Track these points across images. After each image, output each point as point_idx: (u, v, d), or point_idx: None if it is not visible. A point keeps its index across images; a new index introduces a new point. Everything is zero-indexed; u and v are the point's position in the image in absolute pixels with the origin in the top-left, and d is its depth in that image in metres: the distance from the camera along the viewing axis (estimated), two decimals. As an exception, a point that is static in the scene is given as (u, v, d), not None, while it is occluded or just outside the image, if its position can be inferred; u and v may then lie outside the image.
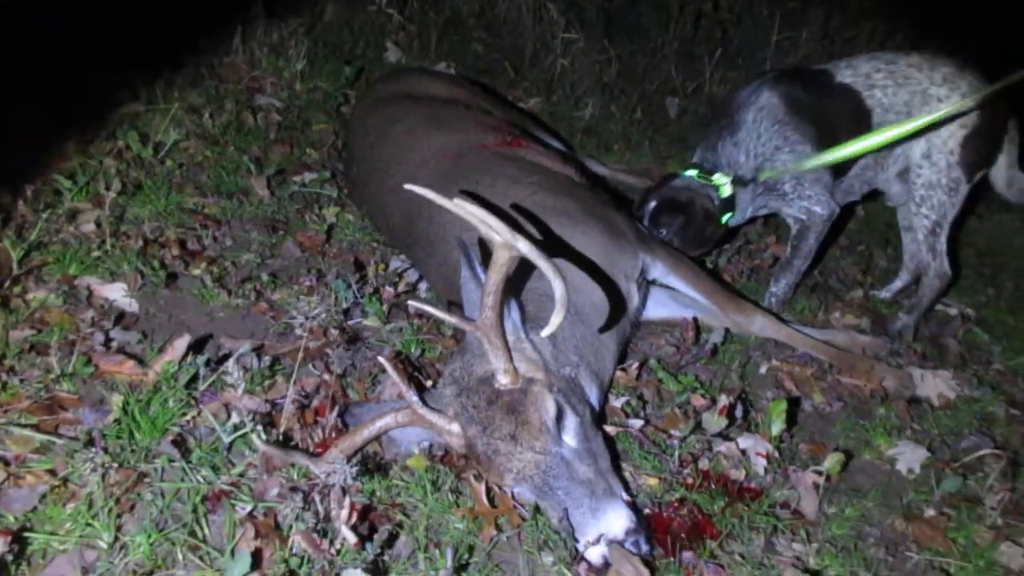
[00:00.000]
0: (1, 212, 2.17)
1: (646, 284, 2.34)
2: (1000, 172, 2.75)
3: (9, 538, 1.27)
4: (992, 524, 1.93)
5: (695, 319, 2.39)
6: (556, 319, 1.51)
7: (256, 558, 1.38)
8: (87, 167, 2.52)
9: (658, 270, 2.34)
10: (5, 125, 2.63)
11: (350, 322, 2.14)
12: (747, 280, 2.85)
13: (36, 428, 1.55)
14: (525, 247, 1.51)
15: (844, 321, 2.79)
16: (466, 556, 1.54)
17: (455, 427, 1.65)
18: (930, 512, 1.95)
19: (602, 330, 1.97)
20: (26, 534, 1.35)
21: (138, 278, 2.09)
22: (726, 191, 2.62)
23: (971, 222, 3.80)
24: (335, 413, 1.73)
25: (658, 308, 2.44)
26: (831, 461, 1.91)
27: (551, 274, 1.48)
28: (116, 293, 2.05)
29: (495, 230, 1.52)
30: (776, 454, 1.97)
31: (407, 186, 1.56)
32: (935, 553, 1.84)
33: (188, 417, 1.69)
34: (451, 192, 2.16)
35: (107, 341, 1.87)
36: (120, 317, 1.99)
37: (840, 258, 3.36)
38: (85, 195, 2.38)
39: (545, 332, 1.55)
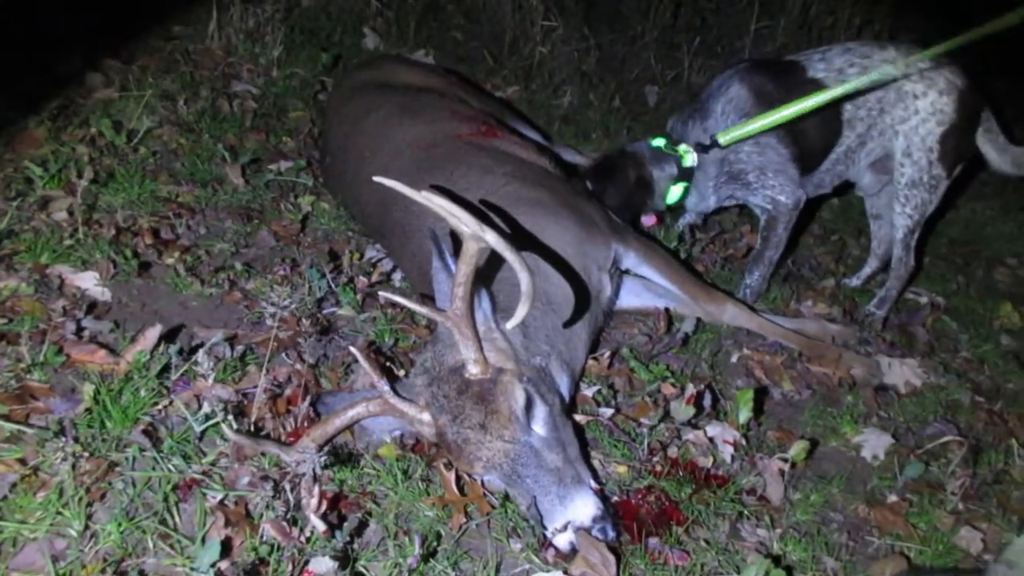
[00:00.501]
0: (-29, 201, 2.16)
1: (619, 274, 2.36)
2: (989, 152, 2.77)
3: (-23, 528, 1.27)
4: (953, 509, 1.98)
5: (667, 309, 2.42)
6: (522, 310, 1.53)
7: (226, 546, 1.40)
8: (59, 154, 2.50)
9: (631, 260, 2.37)
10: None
11: (324, 311, 2.15)
12: (721, 269, 2.88)
13: (6, 418, 1.56)
14: (493, 239, 1.53)
15: (816, 310, 2.83)
16: (435, 543, 1.56)
17: (426, 416, 1.67)
18: (893, 498, 2.00)
19: (573, 320, 1.99)
20: (-5, 522, 1.36)
21: (110, 267, 2.09)
22: (688, 160, 2.65)
23: (944, 211, 3.85)
24: (307, 402, 1.75)
25: (631, 297, 2.47)
26: (796, 449, 1.94)
27: (518, 266, 1.50)
28: (88, 282, 2.05)
29: (463, 222, 1.53)
30: (743, 442, 2.00)
31: (376, 179, 1.57)
32: (896, 538, 1.89)
33: (160, 406, 1.70)
34: (424, 182, 2.20)
35: (79, 330, 1.87)
36: (92, 306, 1.99)
37: (813, 247, 3.40)
38: (57, 183, 2.37)
39: (511, 324, 1.58)
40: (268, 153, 2.96)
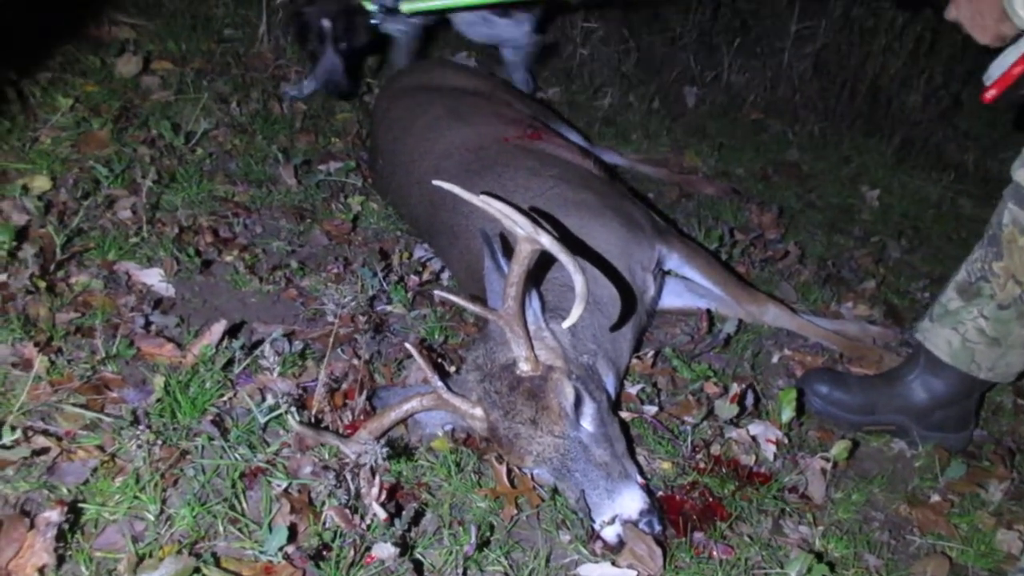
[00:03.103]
0: (43, 200, 2.27)
1: (662, 274, 2.41)
2: None
3: (65, 508, 1.36)
4: (995, 510, 2.00)
5: (708, 310, 2.46)
6: (576, 312, 1.58)
7: (292, 532, 1.48)
8: (122, 155, 2.61)
9: (674, 261, 2.41)
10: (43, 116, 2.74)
11: (376, 309, 2.23)
12: (760, 271, 2.91)
13: (85, 407, 1.65)
14: (547, 241, 1.59)
15: (856, 311, 2.84)
16: (488, 533, 1.63)
17: (478, 411, 1.73)
18: (935, 498, 2.03)
19: (620, 320, 2.04)
20: (80, 505, 1.45)
21: (174, 264, 2.18)
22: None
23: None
24: (364, 396, 1.82)
25: (673, 298, 2.51)
26: (838, 448, 1.98)
27: (572, 268, 1.56)
28: (153, 278, 2.14)
29: (519, 224, 1.59)
30: (786, 441, 2.04)
31: (435, 182, 1.63)
32: (938, 537, 1.91)
33: (225, 398, 1.78)
34: (474, 184, 2.27)
35: (147, 324, 1.96)
36: (158, 302, 2.09)
37: (854, 248, 3.41)
38: (121, 183, 2.48)
39: (565, 324, 1.63)
40: (318, 154, 3.05)
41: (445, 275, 2.45)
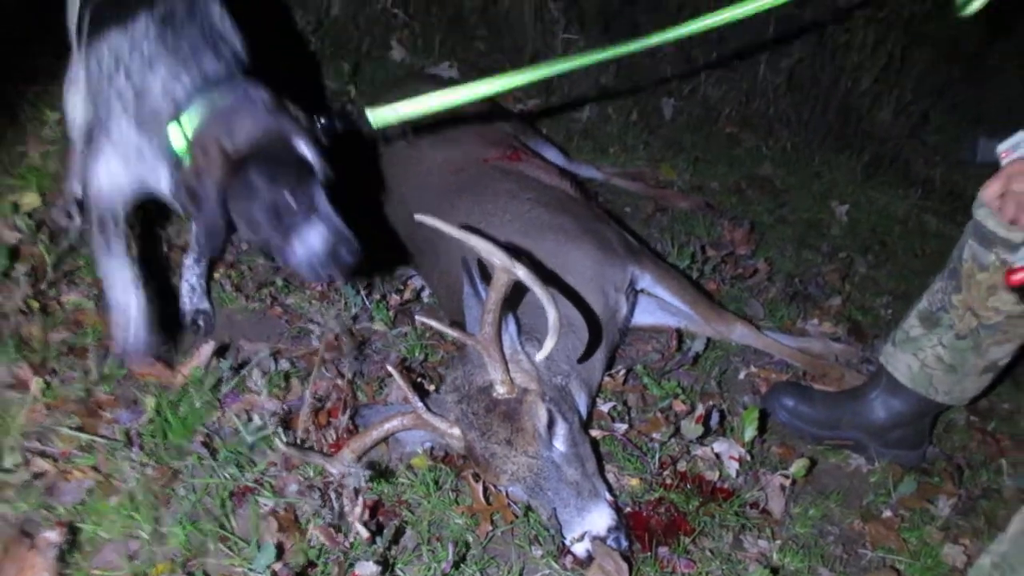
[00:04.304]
0: (33, 218, 2.33)
1: (635, 294, 2.51)
2: None
3: (64, 528, 1.44)
4: (942, 525, 2.12)
5: (679, 328, 2.56)
6: (549, 344, 1.68)
7: (279, 549, 1.56)
8: (110, 171, 2.66)
9: (646, 281, 2.51)
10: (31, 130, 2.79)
11: (358, 327, 2.31)
12: (730, 287, 3.02)
13: (80, 428, 1.72)
14: (523, 274, 1.68)
15: (821, 328, 2.96)
16: (464, 550, 1.72)
17: (456, 431, 1.83)
18: (887, 513, 2.15)
19: (592, 342, 2.14)
20: (77, 525, 1.53)
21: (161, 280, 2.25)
22: None
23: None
24: (347, 415, 1.91)
25: (645, 315, 2.61)
26: (797, 466, 2.09)
27: (546, 301, 1.65)
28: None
29: (496, 256, 1.68)
30: (748, 457, 2.15)
31: (418, 217, 1.72)
32: (888, 551, 2.03)
33: (214, 418, 1.86)
34: (454, 205, 2.37)
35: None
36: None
37: (822, 264, 3.53)
38: (109, 199, 2.53)
39: (539, 357, 1.73)
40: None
41: (426, 293, 2.54)
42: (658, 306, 2.62)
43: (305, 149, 1.69)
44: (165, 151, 1.73)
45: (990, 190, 1.73)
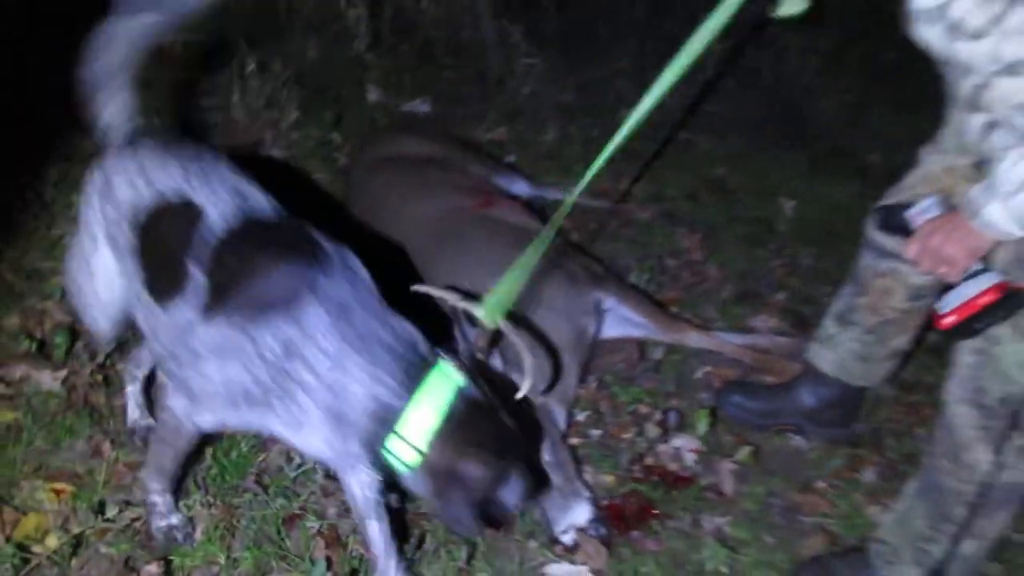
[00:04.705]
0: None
1: (601, 314, 2.92)
2: None
3: (160, 562, 1.85)
4: (867, 491, 2.55)
5: (640, 340, 2.98)
6: (526, 385, 2.08)
7: (328, 562, 1.98)
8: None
9: (609, 302, 2.92)
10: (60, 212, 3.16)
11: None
12: (687, 294, 3.43)
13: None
14: (503, 325, 2.09)
15: (769, 324, 3.38)
16: (473, 548, 2.14)
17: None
18: (821, 484, 2.57)
19: (566, 364, 2.55)
20: (170, 558, 1.93)
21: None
22: None
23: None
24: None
25: (611, 330, 3.00)
26: (744, 452, 2.54)
27: (522, 349, 2.05)
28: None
29: (479, 312, 2.09)
30: (703, 448, 2.58)
31: (414, 288, 2.12)
32: (823, 516, 2.47)
33: (261, 458, 2.27)
34: (439, 253, 2.77)
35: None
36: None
37: (770, 260, 3.93)
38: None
39: (518, 396, 2.14)
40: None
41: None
42: (621, 320, 3.03)
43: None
44: (372, 451, 1.69)
45: (911, 250, 1.96)
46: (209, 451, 2.19)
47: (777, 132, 5.20)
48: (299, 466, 2.21)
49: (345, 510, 2.12)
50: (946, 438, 2.03)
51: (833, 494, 2.55)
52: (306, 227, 1.81)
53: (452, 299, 2.07)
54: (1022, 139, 1.66)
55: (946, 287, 1.91)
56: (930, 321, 2.17)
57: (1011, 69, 1.69)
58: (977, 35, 1.70)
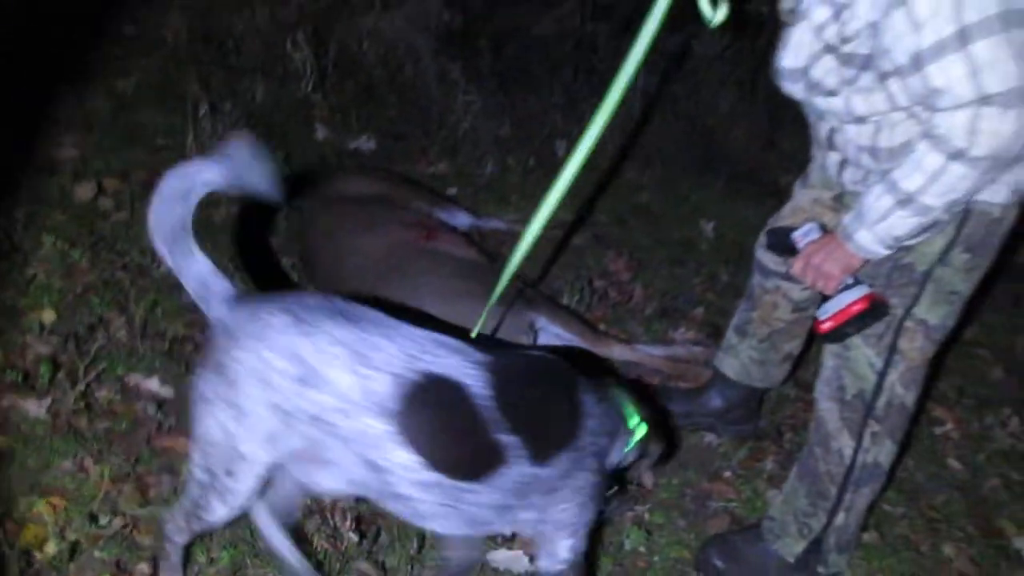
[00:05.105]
0: (56, 333, 2.95)
1: (534, 332, 3.27)
2: None
3: (150, 562, 2.11)
4: (767, 477, 2.94)
5: (571, 354, 3.33)
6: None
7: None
8: (106, 280, 3.29)
9: (541, 321, 3.27)
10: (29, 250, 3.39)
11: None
12: (614, 312, 3.80)
13: (140, 494, 2.39)
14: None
15: (688, 336, 3.76)
16: (425, 539, 2.45)
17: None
18: (728, 474, 2.95)
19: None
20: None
21: (169, 372, 2.91)
22: None
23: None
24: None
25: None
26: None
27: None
28: (155, 385, 2.86)
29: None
30: (627, 447, 2.92)
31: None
32: (728, 501, 2.84)
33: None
34: (389, 285, 3.08)
35: (159, 424, 2.69)
36: (162, 403, 2.81)
37: (691, 277, 4.33)
38: (110, 307, 3.17)
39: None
40: (256, 255, 3.77)
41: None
42: (553, 338, 3.38)
43: None
44: None
45: (796, 267, 2.32)
46: (183, 468, 2.46)
47: (698, 159, 5.66)
48: (267, 476, 2.50)
49: (310, 512, 2.41)
50: (817, 430, 2.41)
51: (738, 482, 2.93)
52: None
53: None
54: (881, 175, 2.02)
55: (824, 298, 2.26)
56: (813, 327, 2.54)
57: (858, 120, 2.09)
58: (832, 93, 2.10)
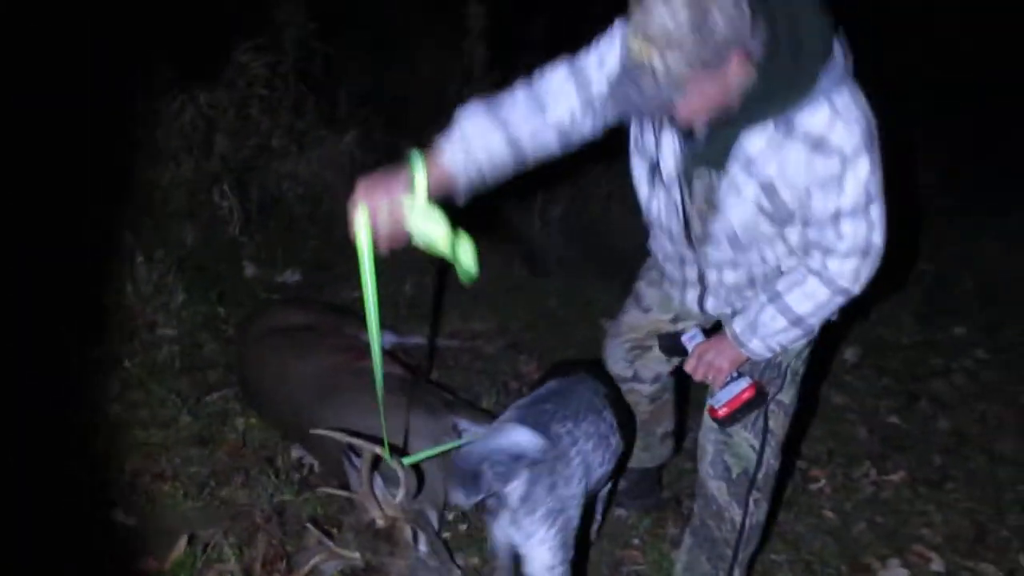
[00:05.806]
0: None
1: (458, 433, 3.69)
2: None
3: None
4: (672, 541, 3.37)
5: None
6: (401, 494, 2.82)
7: None
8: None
9: (464, 423, 3.71)
10: None
11: (275, 500, 3.35)
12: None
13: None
14: (380, 451, 2.83)
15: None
16: None
17: (356, 555, 2.91)
18: (636, 541, 3.39)
19: (434, 476, 3.29)
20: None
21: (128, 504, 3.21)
22: None
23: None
24: (284, 563, 2.95)
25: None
26: (576, 525, 3.31)
27: (401, 474, 2.80)
28: (118, 516, 3.16)
29: (367, 447, 2.82)
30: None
31: (313, 431, 2.83)
32: (637, 565, 3.27)
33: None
34: (324, 405, 3.47)
35: (127, 556, 2.98)
36: (125, 531, 3.11)
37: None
38: (69, 448, 3.46)
39: (399, 499, 2.86)
40: (198, 388, 4.10)
41: (316, 464, 3.60)
42: (474, 437, 3.81)
43: None
44: None
45: (689, 365, 2.62)
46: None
47: (596, 267, 6.25)
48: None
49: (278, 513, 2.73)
50: (708, 505, 2.89)
51: (646, 548, 3.36)
52: None
53: (343, 439, 2.80)
54: (774, 295, 2.45)
55: (713, 391, 2.63)
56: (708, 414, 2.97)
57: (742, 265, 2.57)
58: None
